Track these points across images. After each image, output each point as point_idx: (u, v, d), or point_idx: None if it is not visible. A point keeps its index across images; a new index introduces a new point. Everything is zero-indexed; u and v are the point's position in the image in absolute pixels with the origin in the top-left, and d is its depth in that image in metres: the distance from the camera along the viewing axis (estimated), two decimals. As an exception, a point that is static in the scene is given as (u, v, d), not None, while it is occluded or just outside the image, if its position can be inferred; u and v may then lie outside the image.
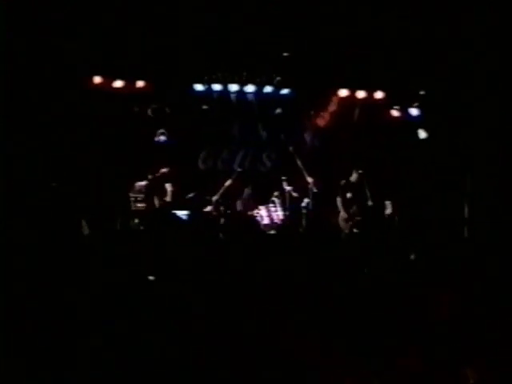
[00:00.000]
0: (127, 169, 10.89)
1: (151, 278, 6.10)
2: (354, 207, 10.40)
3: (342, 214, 10.41)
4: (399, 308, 4.99)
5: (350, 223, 10.33)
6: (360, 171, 10.57)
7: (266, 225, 10.74)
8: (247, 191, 11.26)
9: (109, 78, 11.04)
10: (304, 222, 10.69)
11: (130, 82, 11.17)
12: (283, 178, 11.04)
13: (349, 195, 10.44)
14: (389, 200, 10.67)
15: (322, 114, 11.90)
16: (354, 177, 10.59)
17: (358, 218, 10.34)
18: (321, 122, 11.91)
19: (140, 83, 11.26)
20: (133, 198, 10.53)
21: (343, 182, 10.61)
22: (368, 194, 10.33)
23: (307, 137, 12.03)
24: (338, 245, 8.88)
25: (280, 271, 6.22)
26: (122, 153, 11.05)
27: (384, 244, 8.40)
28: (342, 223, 10.45)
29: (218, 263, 6.50)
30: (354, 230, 10.20)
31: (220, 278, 5.89)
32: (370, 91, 11.68)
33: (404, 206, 10.88)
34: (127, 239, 8.48)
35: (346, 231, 10.27)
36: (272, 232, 10.49)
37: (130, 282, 5.64)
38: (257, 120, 11.98)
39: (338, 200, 10.47)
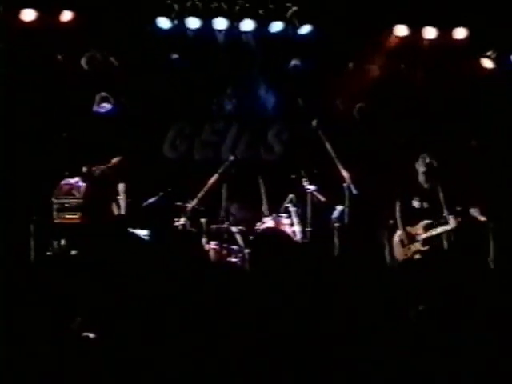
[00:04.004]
0: (47, 157, 10.63)
1: (90, 335, 6.12)
2: (422, 222, 9.86)
3: (401, 234, 9.96)
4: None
5: (411, 248, 9.90)
6: (430, 160, 9.87)
7: (275, 246, 10.35)
8: (244, 194, 10.85)
9: (14, 5, 10.65)
10: (336, 241, 10.25)
11: (50, 12, 10.76)
12: (302, 171, 10.51)
13: (416, 203, 9.95)
14: (476, 206, 9.86)
15: (365, 66, 11.51)
16: (420, 170, 10.03)
17: (426, 236, 9.69)
18: (364, 79, 11.51)
19: (67, 15, 10.76)
20: (57, 205, 10.15)
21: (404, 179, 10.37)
22: (442, 199, 9.72)
23: (341, 104, 11.61)
24: (392, 279, 8.78)
25: (298, 319, 6.20)
26: (39, 130, 10.77)
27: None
28: (397, 249, 9.98)
29: (195, 308, 6.43)
30: (416, 257, 9.79)
31: (196, 330, 5.93)
32: (446, 29, 11.23)
33: (502, 217, 10.41)
34: (48, 271, 8.39)
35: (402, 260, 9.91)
36: (284, 257, 10.18)
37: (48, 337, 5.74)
38: (258, 77, 11.66)
39: (397, 209, 9.95)
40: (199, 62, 11.37)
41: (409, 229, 9.83)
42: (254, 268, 9.67)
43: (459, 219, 9.69)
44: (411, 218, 9.88)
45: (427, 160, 9.95)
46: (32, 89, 10.72)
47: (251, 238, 10.33)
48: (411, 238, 9.87)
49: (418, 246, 9.85)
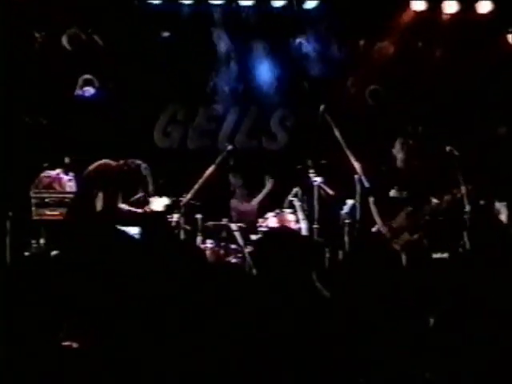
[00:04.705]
0: (25, 146, 10.65)
1: (74, 345, 5.95)
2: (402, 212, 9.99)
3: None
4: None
5: (398, 243, 9.89)
6: (450, 148, 9.73)
7: (278, 244, 9.82)
8: (243, 187, 10.93)
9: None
10: (346, 239, 10.06)
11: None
12: (308, 162, 10.25)
13: (394, 192, 10.09)
14: (502, 200, 10.01)
15: (378, 44, 11.46)
16: (398, 156, 10.30)
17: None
18: (377, 59, 11.49)
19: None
20: (36, 200, 10.14)
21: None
22: (463, 191, 9.55)
23: (352, 87, 11.61)
24: (405, 280, 8.08)
25: (300, 321, 5.96)
26: (16, 117, 10.70)
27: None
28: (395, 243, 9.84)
29: (189, 311, 6.15)
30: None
31: (188, 333, 5.73)
32: (468, 2, 11.19)
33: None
34: (25, 273, 7.80)
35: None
36: (288, 257, 9.60)
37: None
38: (259, 57, 11.62)
39: (371, 202, 9.96)
40: (193, 40, 11.29)
41: (390, 223, 9.99)
42: (258, 270, 9.10)
43: (449, 197, 9.66)
44: (391, 210, 10.06)
45: (404, 143, 10.23)
46: (7, 71, 10.44)
47: (257, 238, 10.04)
48: (396, 232, 9.97)
49: (406, 236, 9.87)
